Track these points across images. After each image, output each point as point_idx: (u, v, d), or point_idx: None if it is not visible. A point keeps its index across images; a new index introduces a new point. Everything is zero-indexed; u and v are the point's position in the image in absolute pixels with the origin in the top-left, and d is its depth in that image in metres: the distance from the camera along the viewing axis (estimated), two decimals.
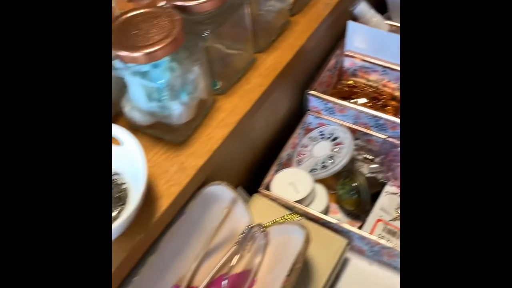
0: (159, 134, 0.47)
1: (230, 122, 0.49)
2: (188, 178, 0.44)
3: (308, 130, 0.66)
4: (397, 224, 0.56)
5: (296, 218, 0.55)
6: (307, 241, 0.45)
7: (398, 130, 0.60)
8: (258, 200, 0.58)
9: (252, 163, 0.61)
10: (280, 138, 0.63)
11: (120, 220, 0.37)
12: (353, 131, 0.63)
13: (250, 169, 0.60)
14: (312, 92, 0.62)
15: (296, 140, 0.65)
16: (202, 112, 0.48)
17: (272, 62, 0.54)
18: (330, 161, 0.60)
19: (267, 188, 0.59)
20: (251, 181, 0.59)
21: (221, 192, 0.50)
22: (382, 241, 0.52)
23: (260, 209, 0.56)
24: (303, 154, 0.64)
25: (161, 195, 0.43)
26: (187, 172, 0.44)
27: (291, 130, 0.64)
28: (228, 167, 0.54)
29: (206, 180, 0.48)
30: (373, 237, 0.52)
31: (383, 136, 0.61)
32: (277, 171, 0.60)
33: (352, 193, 0.57)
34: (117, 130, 0.42)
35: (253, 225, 0.49)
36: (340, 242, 0.53)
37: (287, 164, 0.63)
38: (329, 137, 0.63)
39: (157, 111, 0.45)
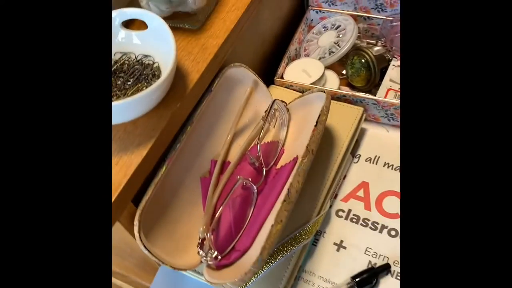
0: (178, 23, 0.50)
1: (240, 5, 0.52)
2: (211, 55, 0.47)
3: (311, 27, 0.69)
4: None
5: None
6: (328, 97, 0.49)
7: (397, 8, 0.63)
8: (275, 89, 0.61)
9: (264, 57, 0.64)
10: (286, 34, 0.66)
11: (157, 83, 0.40)
12: (354, 18, 0.66)
13: (262, 62, 0.64)
14: None
15: (302, 36, 0.68)
16: None
17: None
18: (336, 47, 0.64)
19: (281, 77, 0.62)
20: (265, 75, 0.63)
21: (243, 74, 0.54)
22: (395, 101, 0.56)
23: (278, 97, 0.59)
24: (310, 48, 0.67)
25: (190, 71, 0.46)
26: (209, 51, 0.48)
27: (296, 26, 0.67)
28: (244, 58, 0.57)
29: (226, 63, 0.52)
30: (387, 100, 0.56)
31: (383, 17, 0.65)
32: (287, 64, 0.64)
33: (362, 69, 0.60)
34: (143, 13, 0.45)
35: (276, 100, 0.53)
36: (356, 110, 0.57)
37: (295, 59, 0.66)
38: (332, 27, 0.66)
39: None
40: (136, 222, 0.42)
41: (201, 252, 0.44)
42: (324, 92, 0.50)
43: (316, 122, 0.46)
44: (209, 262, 0.44)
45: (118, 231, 0.45)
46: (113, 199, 0.39)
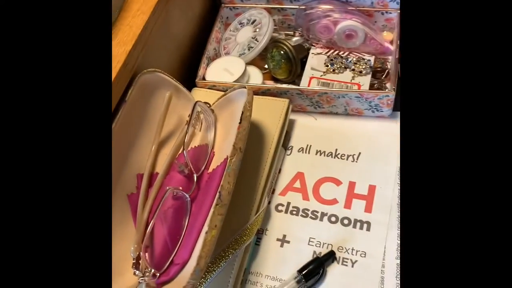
0: None
1: (145, 9, 0.49)
2: (119, 64, 0.45)
3: (228, 25, 0.68)
4: (329, 76, 0.61)
5: None
6: (250, 92, 0.48)
7: None
8: (198, 92, 0.59)
9: (181, 61, 0.62)
10: (203, 34, 0.65)
11: None
12: (269, 11, 0.65)
13: (181, 66, 0.62)
14: None
15: (219, 35, 0.67)
16: (117, 5, 0.49)
17: None
18: (254, 42, 0.63)
19: (203, 79, 0.61)
20: (186, 78, 0.60)
21: (159, 80, 0.51)
22: (318, 88, 0.56)
23: (203, 99, 0.57)
24: (229, 46, 0.66)
25: None
26: (118, 59, 0.45)
27: (211, 25, 0.65)
28: (159, 63, 0.55)
29: (139, 70, 0.49)
30: (310, 88, 0.56)
31: (295, 7, 0.65)
32: (207, 64, 0.62)
33: (282, 60, 0.60)
34: None
35: (198, 102, 0.51)
36: (282, 102, 0.56)
37: (215, 59, 0.65)
38: (248, 22, 0.66)
39: None
40: None
41: (137, 272, 0.42)
42: (245, 87, 0.49)
43: (240, 119, 0.45)
44: (148, 282, 0.41)
45: None
46: None
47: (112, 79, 0.43)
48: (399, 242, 0.48)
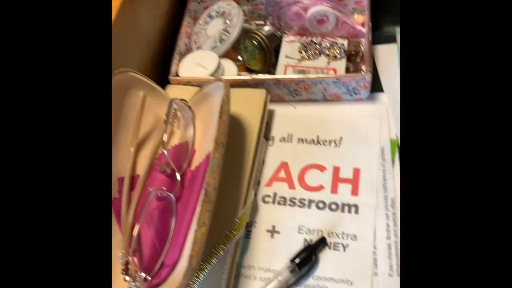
0: None
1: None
2: None
3: (197, 19, 0.67)
4: (304, 63, 0.60)
5: None
6: (227, 85, 0.47)
7: None
8: (173, 89, 0.58)
9: (153, 59, 0.60)
10: (173, 30, 0.63)
11: None
12: (237, 2, 0.64)
13: (153, 64, 0.60)
14: None
15: (188, 29, 0.65)
16: None
17: None
18: (226, 34, 0.62)
19: (177, 75, 0.59)
20: (159, 77, 0.59)
21: (131, 80, 0.50)
22: (295, 76, 0.56)
23: (178, 96, 0.56)
24: (200, 40, 0.65)
25: None
26: None
27: (180, 21, 0.64)
28: (130, 63, 0.53)
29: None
30: (286, 76, 0.56)
31: None
32: (179, 60, 0.61)
33: (256, 51, 0.59)
34: None
35: (174, 100, 0.49)
36: (259, 93, 0.56)
37: (186, 54, 0.63)
38: (217, 15, 0.64)
39: None
40: None
41: (127, 278, 0.40)
42: (222, 81, 0.48)
43: (220, 113, 0.44)
44: (139, 286, 0.40)
45: None
46: None
47: None
48: (388, 222, 0.48)
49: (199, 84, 0.57)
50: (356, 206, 0.50)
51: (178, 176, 0.46)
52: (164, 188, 0.45)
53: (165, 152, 0.46)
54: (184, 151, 0.49)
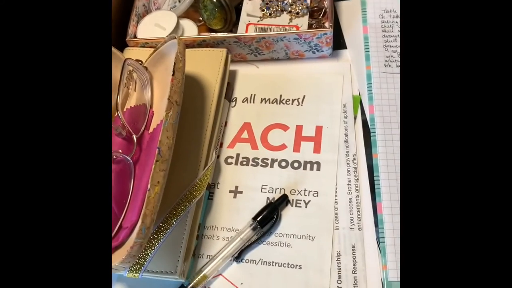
0: None
1: None
2: None
3: None
4: (266, 21, 0.59)
5: None
6: (180, 42, 0.45)
7: None
8: (131, 51, 0.56)
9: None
10: None
11: None
12: None
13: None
14: None
15: None
16: None
17: None
18: None
19: (134, 37, 0.57)
20: (117, 39, 0.57)
21: None
22: (255, 34, 0.54)
23: (136, 58, 0.54)
24: (159, 1, 0.62)
25: None
26: None
27: None
28: None
29: None
30: (247, 34, 0.54)
31: None
32: (137, 22, 0.59)
33: (215, 9, 0.57)
34: None
35: (127, 60, 0.48)
36: (219, 53, 0.54)
37: (145, 15, 0.61)
38: None
39: None
40: None
41: None
42: (176, 38, 0.46)
43: (173, 71, 0.43)
44: None
45: None
46: None
47: None
48: (349, 177, 0.48)
49: (157, 45, 0.55)
50: (318, 163, 0.50)
51: (134, 138, 0.45)
52: (120, 151, 0.44)
53: (120, 114, 0.45)
54: (141, 113, 0.48)
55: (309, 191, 0.48)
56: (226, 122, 0.54)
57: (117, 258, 0.38)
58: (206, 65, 0.53)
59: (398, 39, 0.56)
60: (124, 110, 0.47)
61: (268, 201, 0.48)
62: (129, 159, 0.44)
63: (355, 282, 0.43)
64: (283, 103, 0.55)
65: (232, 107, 0.55)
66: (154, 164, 0.38)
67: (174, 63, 0.43)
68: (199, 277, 0.44)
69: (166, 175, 0.39)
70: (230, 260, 0.45)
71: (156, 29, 0.57)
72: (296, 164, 0.50)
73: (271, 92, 0.56)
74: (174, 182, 0.45)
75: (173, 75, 0.43)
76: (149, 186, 0.37)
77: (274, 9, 0.59)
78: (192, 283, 0.44)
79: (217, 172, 0.51)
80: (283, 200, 0.47)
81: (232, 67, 0.57)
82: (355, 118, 0.52)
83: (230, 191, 0.49)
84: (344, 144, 0.50)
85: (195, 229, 0.46)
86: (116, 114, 0.47)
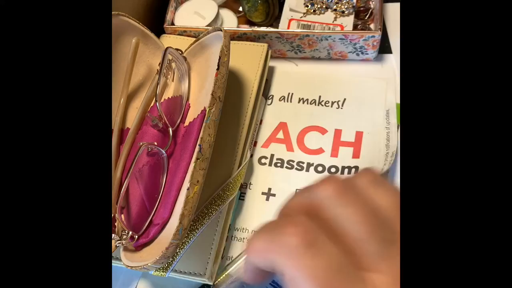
0: None
1: None
2: None
3: None
4: (309, 18, 0.56)
5: None
6: (227, 35, 0.43)
7: None
8: (167, 39, 0.54)
9: (147, 4, 0.56)
10: None
11: None
12: None
13: (147, 10, 0.56)
14: None
15: None
16: None
17: None
18: None
19: (172, 24, 0.55)
20: (153, 24, 0.55)
21: (124, 25, 0.46)
22: (299, 31, 0.52)
23: (172, 46, 0.52)
24: None
25: None
26: None
27: None
28: (124, 8, 0.49)
29: None
30: (290, 30, 0.52)
31: None
32: (176, 8, 0.57)
33: (258, 1, 0.55)
34: None
35: (169, 49, 0.46)
36: (260, 47, 0.52)
37: (184, 1, 0.59)
38: None
39: None
40: None
41: (113, 235, 0.38)
42: (221, 30, 0.44)
43: (218, 65, 0.41)
44: (125, 245, 0.38)
45: None
46: None
47: None
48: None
49: (196, 34, 0.53)
50: (356, 168, 0.47)
51: (170, 131, 0.43)
52: (155, 143, 0.43)
53: (158, 104, 0.43)
54: (178, 105, 0.46)
55: None
56: (261, 120, 0.52)
57: (148, 255, 0.36)
58: (246, 59, 0.51)
59: None
60: (162, 101, 0.45)
61: None
62: (164, 152, 0.42)
63: None
64: (322, 105, 0.52)
65: (268, 104, 0.53)
66: (195, 162, 0.36)
67: (220, 57, 0.41)
68: (223, 275, 0.42)
69: (205, 175, 0.37)
70: None
71: (196, 18, 0.55)
72: (333, 169, 0.48)
73: (310, 92, 0.53)
74: (207, 180, 0.43)
75: (218, 69, 0.40)
76: (188, 185, 0.35)
77: (318, 6, 0.57)
78: (217, 281, 0.42)
79: (249, 172, 0.49)
80: None
81: (270, 63, 0.54)
82: (398, 126, 0.50)
83: (263, 193, 0.48)
84: (385, 152, 0.48)
85: (226, 231, 0.44)
86: (153, 104, 0.45)
